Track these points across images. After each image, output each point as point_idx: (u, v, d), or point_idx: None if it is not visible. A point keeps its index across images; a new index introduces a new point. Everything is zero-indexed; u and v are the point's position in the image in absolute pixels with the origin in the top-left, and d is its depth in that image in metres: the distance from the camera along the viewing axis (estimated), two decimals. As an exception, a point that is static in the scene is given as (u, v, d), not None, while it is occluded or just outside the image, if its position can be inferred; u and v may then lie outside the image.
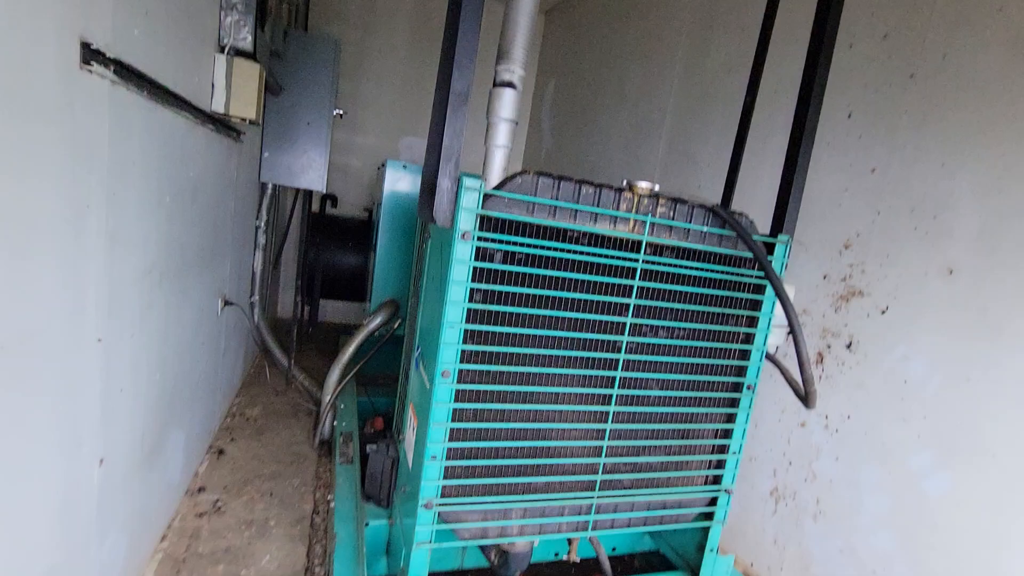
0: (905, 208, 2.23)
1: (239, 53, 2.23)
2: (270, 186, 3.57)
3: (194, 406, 2.54)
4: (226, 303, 2.93)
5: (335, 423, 2.96)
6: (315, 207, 5.33)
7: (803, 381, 1.43)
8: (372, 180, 5.84)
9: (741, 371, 1.75)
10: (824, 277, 2.55)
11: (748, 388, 1.76)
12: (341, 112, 3.67)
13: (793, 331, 1.37)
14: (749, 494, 2.84)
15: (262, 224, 3.56)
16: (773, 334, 1.85)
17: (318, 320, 5.48)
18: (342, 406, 3.05)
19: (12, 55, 0.99)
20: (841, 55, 2.52)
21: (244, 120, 2.35)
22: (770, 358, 1.81)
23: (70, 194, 1.23)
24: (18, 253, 1.07)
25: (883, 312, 2.27)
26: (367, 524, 1.83)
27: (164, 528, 2.28)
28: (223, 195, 2.68)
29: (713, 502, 1.82)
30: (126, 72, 1.40)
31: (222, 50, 2.20)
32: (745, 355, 1.74)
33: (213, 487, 2.68)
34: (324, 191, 3.56)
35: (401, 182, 3.28)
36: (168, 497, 2.28)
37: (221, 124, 2.39)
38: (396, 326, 3.09)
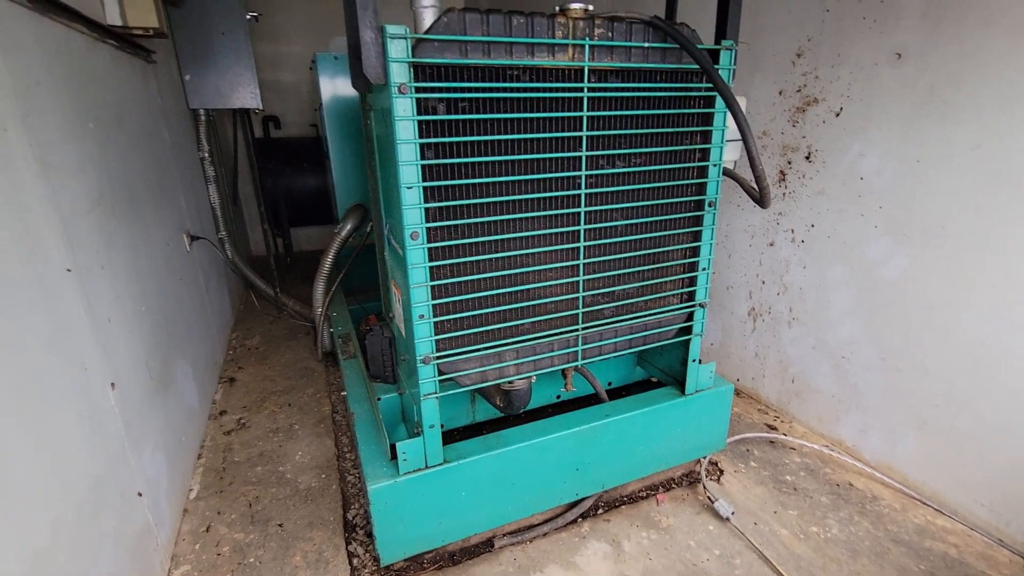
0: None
1: (117, -50, 1.99)
2: (202, 113, 3.36)
3: (192, 339, 2.60)
4: (193, 238, 2.89)
5: (332, 331, 3.06)
6: (258, 133, 5.07)
7: (755, 178, 1.49)
8: (310, 93, 5.48)
9: (701, 189, 1.80)
10: (780, 93, 2.53)
11: (710, 205, 1.82)
12: (255, 15, 3.35)
13: (741, 130, 1.40)
14: (729, 320, 3.04)
15: (206, 155, 3.40)
16: (728, 149, 1.88)
17: (293, 250, 5.44)
18: (335, 314, 3.13)
19: None
20: None
21: (148, 31, 2.15)
22: (727, 172, 1.86)
23: (-21, 116, 1.16)
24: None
25: (837, 115, 2.29)
26: (379, 399, 1.97)
27: (197, 448, 2.44)
28: (154, 124, 2.53)
29: (690, 317, 1.96)
30: (-8, -26, 1.26)
31: (97, -51, 1.96)
32: (703, 172, 1.78)
33: (233, 408, 2.83)
34: (261, 107, 3.36)
35: (340, 84, 3.10)
36: (192, 421, 2.41)
37: (125, 41, 2.19)
38: (369, 230, 3.09)
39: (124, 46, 2.19)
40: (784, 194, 2.60)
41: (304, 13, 5.30)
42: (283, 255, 5.11)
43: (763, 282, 2.79)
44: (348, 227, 3.03)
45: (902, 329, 2.15)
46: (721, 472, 2.30)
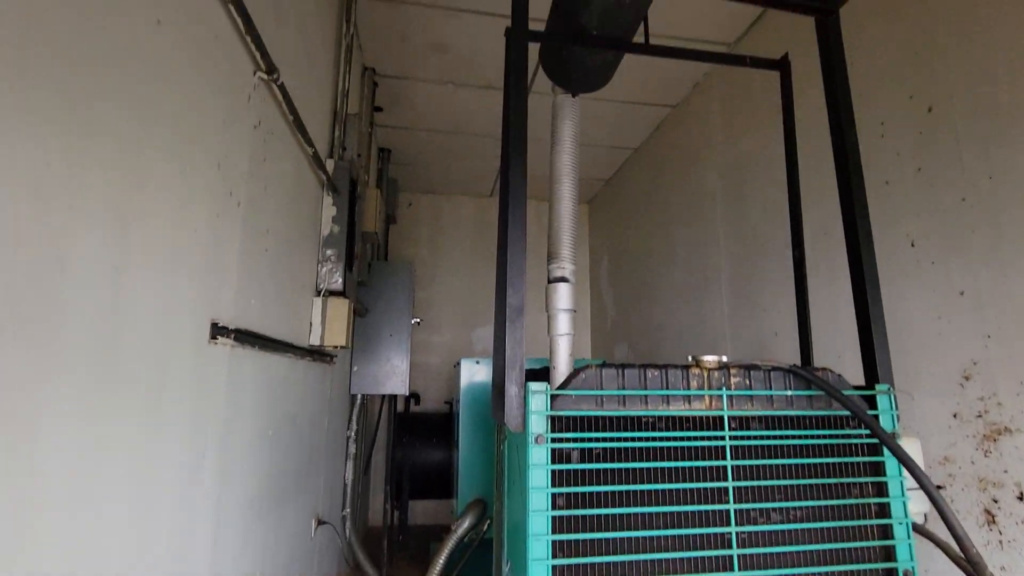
0: (1018, 326, 2.01)
1: (331, 293, 2.63)
2: (359, 398, 3.84)
3: (287, 646, 2.41)
4: (320, 523, 2.95)
5: (431, 655, 2.66)
6: (400, 406, 5.57)
7: (963, 550, 1.18)
8: (450, 374, 6.12)
9: (890, 552, 1.46)
10: (954, 416, 2.23)
11: (906, 574, 1.45)
12: (418, 320, 4.05)
13: (926, 491, 1.18)
14: None
15: (352, 434, 3.74)
16: (916, 500, 1.58)
17: (408, 523, 5.30)
18: (437, 632, 2.77)
19: (160, 341, 1.25)
20: (880, 192, 2.58)
21: (336, 347, 2.65)
22: (918, 530, 1.52)
23: (191, 447, 1.40)
24: (147, 507, 1.19)
25: (1047, 450, 1.91)
26: None
27: None
28: (319, 415, 2.90)
29: None
30: (243, 336, 1.68)
31: (318, 293, 2.60)
32: (887, 532, 1.48)
33: None
34: (407, 393, 3.75)
35: (476, 375, 3.43)
36: None
37: (317, 354, 2.71)
38: (485, 528, 2.93)
39: (316, 357, 2.69)
40: (1000, 542, 2.04)
41: (452, 314, 6.35)
42: (398, 530, 4.98)
43: (1009, 671, 1.99)
44: (466, 524, 2.91)
45: None
46: None
